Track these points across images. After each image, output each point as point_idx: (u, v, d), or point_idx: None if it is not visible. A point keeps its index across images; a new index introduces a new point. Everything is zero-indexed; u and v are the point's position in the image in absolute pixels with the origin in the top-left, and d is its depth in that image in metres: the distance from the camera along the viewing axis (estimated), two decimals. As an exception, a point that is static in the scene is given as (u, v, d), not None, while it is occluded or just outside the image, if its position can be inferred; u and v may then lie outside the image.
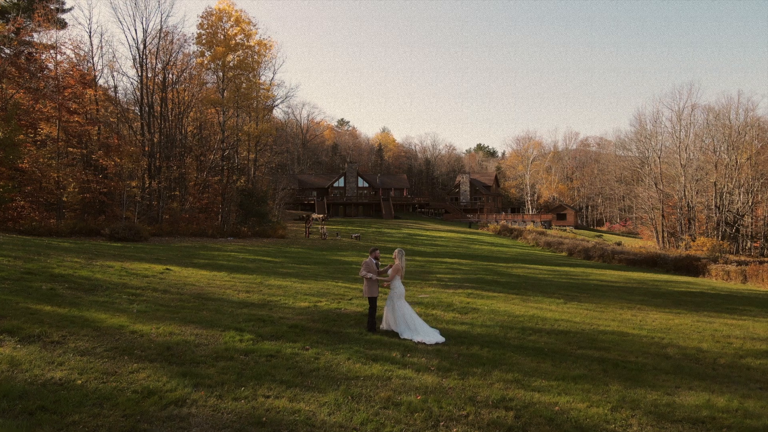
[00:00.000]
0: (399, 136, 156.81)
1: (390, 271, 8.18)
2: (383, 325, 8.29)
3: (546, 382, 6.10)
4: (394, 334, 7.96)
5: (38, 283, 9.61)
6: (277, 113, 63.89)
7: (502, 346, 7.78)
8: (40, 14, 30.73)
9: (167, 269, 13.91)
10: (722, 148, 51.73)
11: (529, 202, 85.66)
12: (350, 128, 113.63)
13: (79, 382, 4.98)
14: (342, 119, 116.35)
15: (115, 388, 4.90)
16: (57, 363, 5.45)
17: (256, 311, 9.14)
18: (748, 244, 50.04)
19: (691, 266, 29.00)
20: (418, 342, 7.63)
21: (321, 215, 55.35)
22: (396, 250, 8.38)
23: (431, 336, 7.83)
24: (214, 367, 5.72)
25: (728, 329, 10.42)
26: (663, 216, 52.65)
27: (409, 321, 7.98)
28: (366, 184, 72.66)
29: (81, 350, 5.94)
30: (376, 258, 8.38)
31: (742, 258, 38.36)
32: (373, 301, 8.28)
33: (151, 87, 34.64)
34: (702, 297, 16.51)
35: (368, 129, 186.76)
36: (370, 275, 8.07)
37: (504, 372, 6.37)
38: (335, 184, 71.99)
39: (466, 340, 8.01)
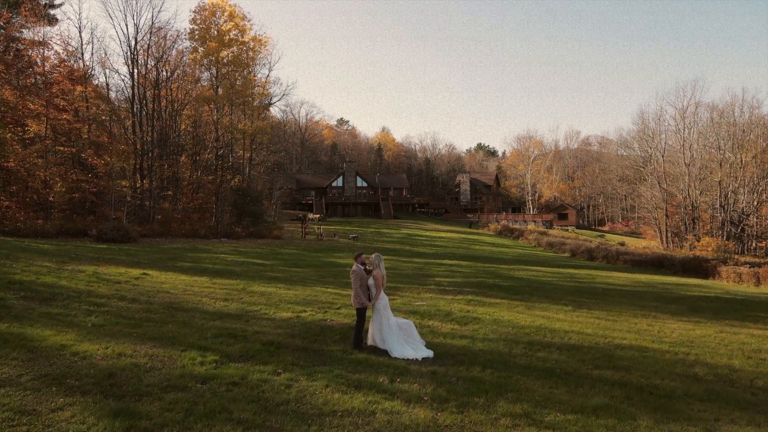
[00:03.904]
0: (399, 135, 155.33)
1: (372, 286, 7.20)
2: (369, 341, 7.31)
3: (562, 415, 5.10)
4: (383, 353, 6.96)
5: (-11, 292, 8.63)
6: (275, 111, 62.88)
7: (507, 366, 6.78)
8: (27, 8, 29.76)
9: (144, 274, 12.92)
10: (727, 146, 50.59)
11: (530, 202, 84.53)
12: (349, 128, 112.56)
13: (-19, 425, 4.00)
14: (341, 119, 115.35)
15: (23, 434, 3.91)
16: (-36, 398, 4.46)
17: (230, 324, 8.13)
18: (754, 244, 48.93)
19: (700, 268, 27.93)
20: (411, 359, 6.70)
21: (318, 215, 54.41)
22: (373, 256, 7.44)
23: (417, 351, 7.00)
24: (159, 402, 4.71)
25: (757, 342, 9.41)
26: (666, 215, 51.56)
27: (395, 332, 7.08)
28: (365, 184, 71.49)
29: (2, 379, 4.94)
30: (362, 263, 7.40)
31: (750, 259, 37.31)
32: (361, 312, 7.30)
33: (143, 84, 33.63)
34: (718, 302, 15.48)
35: (368, 128, 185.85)
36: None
37: (511, 402, 5.37)
38: (334, 184, 70.81)
39: (466, 358, 7.01)
